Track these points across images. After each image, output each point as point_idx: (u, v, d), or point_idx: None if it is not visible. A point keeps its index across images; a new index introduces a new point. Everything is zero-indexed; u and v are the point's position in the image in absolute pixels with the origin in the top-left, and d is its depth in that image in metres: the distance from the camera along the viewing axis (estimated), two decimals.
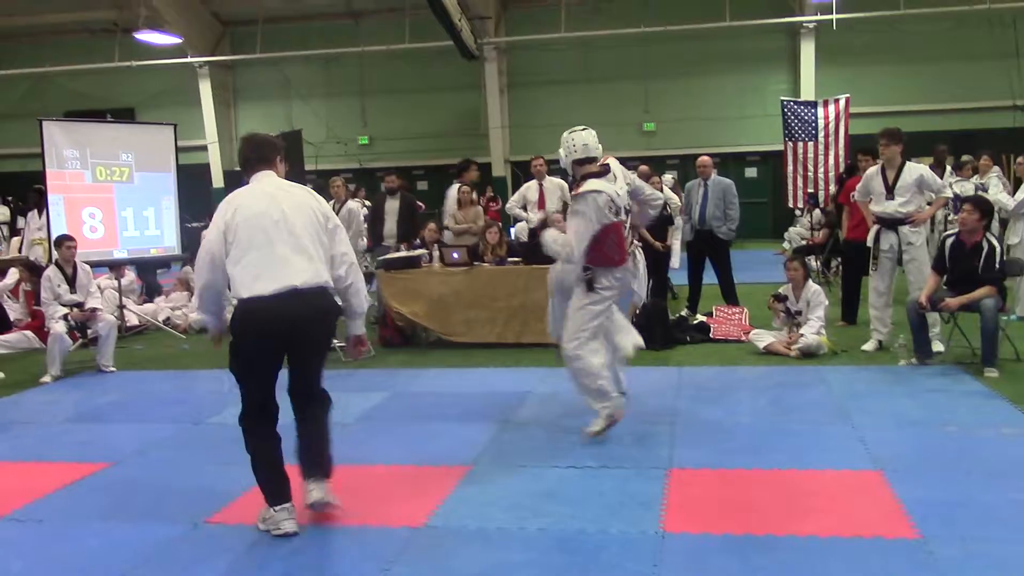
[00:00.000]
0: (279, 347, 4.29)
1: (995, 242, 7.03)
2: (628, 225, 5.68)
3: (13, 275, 10.30)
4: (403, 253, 9.55)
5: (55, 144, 10.41)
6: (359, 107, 23.12)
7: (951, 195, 8.73)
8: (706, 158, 10.09)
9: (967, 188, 10.90)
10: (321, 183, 11.75)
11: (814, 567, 3.67)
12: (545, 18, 21.03)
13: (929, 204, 7.95)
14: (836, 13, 19.08)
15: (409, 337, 9.23)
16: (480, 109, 22.23)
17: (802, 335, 7.87)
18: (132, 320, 10.82)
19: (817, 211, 13.93)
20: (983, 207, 7.11)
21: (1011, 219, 9.54)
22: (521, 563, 3.82)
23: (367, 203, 13.99)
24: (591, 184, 5.44)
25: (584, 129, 5.65)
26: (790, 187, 15.62)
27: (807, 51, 20.46)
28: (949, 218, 11.16)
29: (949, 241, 7.19)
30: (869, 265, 7.94)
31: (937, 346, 7.47)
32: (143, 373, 8.46)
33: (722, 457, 5.16)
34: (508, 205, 11.29)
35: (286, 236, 4.20)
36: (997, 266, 6.92)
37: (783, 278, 8.52)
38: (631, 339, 5.95)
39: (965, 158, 12.23)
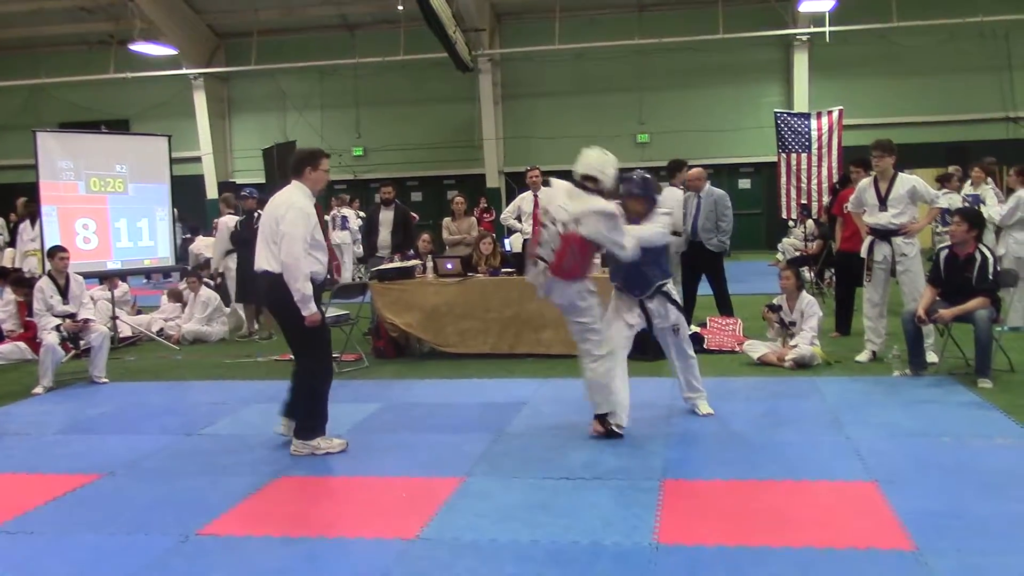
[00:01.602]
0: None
1: (988, 253, 7.04)
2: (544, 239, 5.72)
3: None
4: (397, 264, 9.53)
5: (49, 155, 10.39)
6: (354, 118, 23.14)
7: (945, 206, 8.73)
8: (697, 170, 10.03)
9: (955, 200, 10.91)
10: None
11: None
12: (539, 30, 21.12)
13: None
14: (829, 26, 19.17)
15: (402, 348, 9.21)
16: (475, 121, 22.28)
17: (796, 346, 7.87)
18: (125, 331, 10.79)
19: (810, 222, 13.94)
20: (971, 218, 7.13)
21: (1000, 230, 9.55)
22: (515, 575, 3.80)
23: (361, 214, 14.00)
24: None
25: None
26: (783, 198, 15.59)
27: (800, 63, 20.57)
28: (936, 230, 11.17)
29: (943, 254, 7.21)
30: (863, 276, 7.96)
31: (931, 357, 7.48)
32: (136, 384, 8.43)
33: (716, 468, 5.16)
34: (503, 216, 11.30)
35: (261, 234, 5.70)
36: (990, 277, 6.93)
37: (777, 289, 8.53)
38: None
39: (952, 169, 12.23)
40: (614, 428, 5.78)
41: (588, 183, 5.63)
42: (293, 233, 5.49)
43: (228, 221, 11.46)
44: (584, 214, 5.51)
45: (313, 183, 5.76)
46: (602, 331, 5.85)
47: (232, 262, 11.30)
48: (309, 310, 5.53)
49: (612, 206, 5.63)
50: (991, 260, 6.98)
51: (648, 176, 6.01)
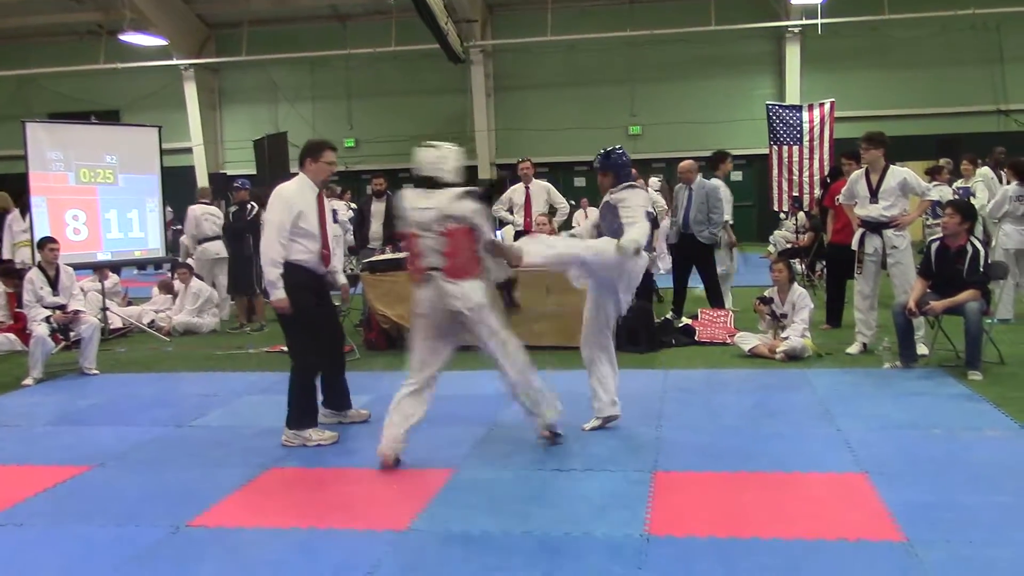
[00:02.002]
0: None
1: (979, 245, 7.06)
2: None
3: None
4: (388, 255, 9.52)
5: (39, 145, 10.33)
6: (345, 110, 23.09)
7: (936, 198, 8.75)
8: (688, 163, 10.02)
9: (946, 192, 10.93)
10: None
11: (799, 570, 3.67)
12: (531, 21, 21.06)
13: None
14: (821, 18, 19.17)
15: (394, 340, 9.19)
16: (466, 112, 22.23)
17: (787, 338, 7.88)
18: (115, 322, 10.75)
19: (801, 214, 13.97)
20: (964, 210, 7.15)
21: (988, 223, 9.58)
22: (505, 567, 3.81)
23: (353, 205, 13.98)
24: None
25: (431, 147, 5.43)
26: (775, 191, 15.64)
27: (792, 55, 20.57)
28: (927, 222, 11.18)
29: (934, 246, 7.22)
30: (854, 268, 7.97)
31: (921, 349, 7.50)
32: (126, 376, 8.40)
33: (707, 460, 5.16)
34: (494, 208, 11.28)
35: None
36: (982, 269, 6.94)
37: (769, 281, 8.54)
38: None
39: (943, 162, 12.24)
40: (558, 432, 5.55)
41: (431, 183, 5.29)
42: (269, 219, 5.75)
43: (196, 210, 11.66)
44: (451, 204, 5.18)
45: (314, 174, 5.89)
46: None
47: (202, 252, 11.50)
48: (274, 295, 5.67)
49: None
50: (982, 252, 7.00)
51: (610, 149, 5.86)
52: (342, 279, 6.26)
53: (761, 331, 8.35)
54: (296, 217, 5.69)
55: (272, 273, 5.63)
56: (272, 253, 5.63)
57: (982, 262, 6.95)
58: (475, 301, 5.27)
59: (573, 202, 14.88)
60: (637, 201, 5.68)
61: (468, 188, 5.36)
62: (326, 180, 6.13)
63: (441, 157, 5.35)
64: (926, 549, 3.79)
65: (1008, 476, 4.67)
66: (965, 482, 4.60)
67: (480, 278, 5.35)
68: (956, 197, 10.33)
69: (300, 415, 5.79)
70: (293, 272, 5.70)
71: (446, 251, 5.19)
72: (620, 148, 5.97)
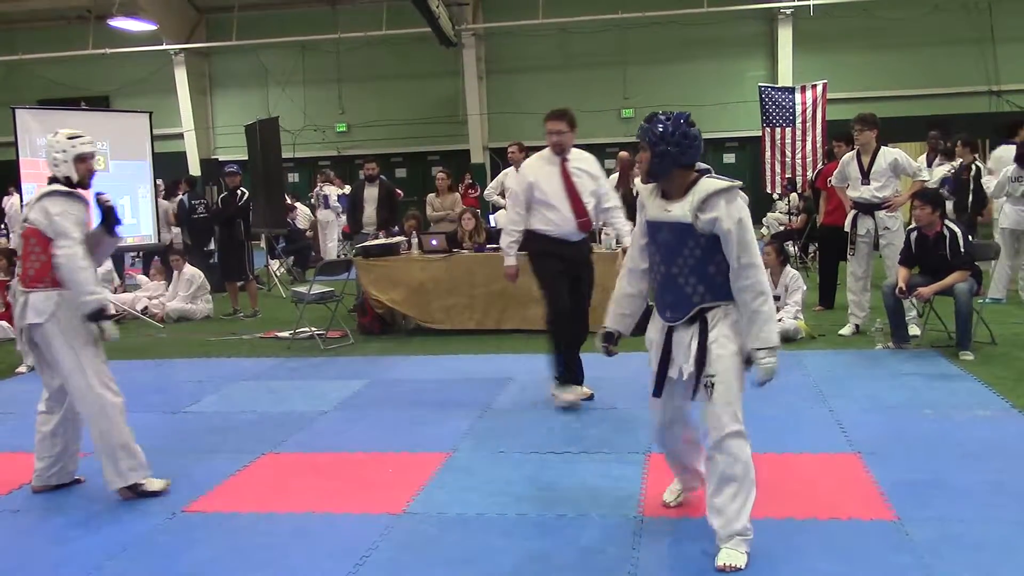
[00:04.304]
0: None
1: (955, 228, 7.06)
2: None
3: None
4: (381, 240, 9.52)
5: (29, 132, 10.31)
6: (337, 94, 22.99)
7: (926, 178, 8.77)
8: None
9: (939, 172, 10.95)
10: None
11: (792, 549, 3.70)
12: (523, 4, 20.94)
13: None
14: None
15: (388, 324, 9.21)
16: (458, 96, 22.15)
17: (780, 320, 7.90)
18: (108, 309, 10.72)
19: (794, 196, 13.98)
20: (933, 201, 7.11)
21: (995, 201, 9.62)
22: (501, 549, 3.83)
23: (345, 189, 13.96)
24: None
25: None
26: (768, 173, 15.66)
27: (785, 37, 20.51)
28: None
29: (913, 235, 7.22)
30: (847, 250, 7.99)
31: (913, 330, 7.53)
32: (120, 362, 8.28)
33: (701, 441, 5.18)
34: (486, 192, 11.30)
35: None
36: (963, 250, 6.94)
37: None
38: None
39: (931, 136, 12.23)
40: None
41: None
42: (508, 189, 6.61)
43: (163, 204, 12.30)
44: (34, 202, 4.57)
45: (549, 145, 5.97)
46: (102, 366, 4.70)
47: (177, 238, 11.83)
48: (506, 261, 6.15)
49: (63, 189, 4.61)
50: (959, 233, 7.00)
51: (655, 116, 3.65)
52: (626, 239, 5.95)
53: None
54: (528, 188, 5.92)
55: (504, 240, 6.10)
56: (506, 222, 6.19)
57: (961, 243, 6.95)
58: (46, 316, 4.48)
59: None
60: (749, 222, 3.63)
61: (54, 187, 4.57)
62: (557, 147, 5.92)
63: (49, 146, 4.64)
64: (917, 527, 3.82)
65: (998, 455, 4.71)
66: (956, 461, 4.64)
67: (55, 290, 4.49)
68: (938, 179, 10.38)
69: (554, 369, 6.03)
70: (534, 240, 5.99)
71: (22, 255, 4.57)
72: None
